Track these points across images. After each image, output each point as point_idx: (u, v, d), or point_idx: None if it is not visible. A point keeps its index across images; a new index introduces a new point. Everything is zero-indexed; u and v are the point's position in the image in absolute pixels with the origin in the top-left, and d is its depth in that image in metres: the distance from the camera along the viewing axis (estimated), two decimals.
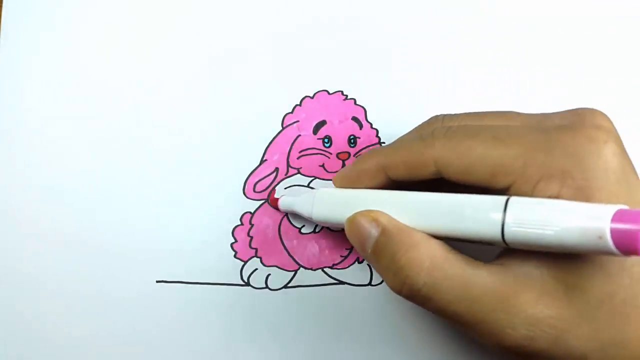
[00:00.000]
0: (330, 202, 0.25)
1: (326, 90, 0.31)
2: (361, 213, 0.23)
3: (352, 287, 0.29)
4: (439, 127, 0.23)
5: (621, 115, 0.32)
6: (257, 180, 0.30)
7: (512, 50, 0.32)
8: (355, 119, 0.31)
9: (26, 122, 0.31)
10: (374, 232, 0.22)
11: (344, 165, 0.30)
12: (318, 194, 0.26)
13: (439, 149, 0.21)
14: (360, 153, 0.30)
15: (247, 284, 0.30)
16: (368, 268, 0.30)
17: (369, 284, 0.29)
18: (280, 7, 0.32)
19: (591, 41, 0.32)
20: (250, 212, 0.30)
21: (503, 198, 0.18)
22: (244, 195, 0.30)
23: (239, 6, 0.32)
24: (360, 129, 0.31)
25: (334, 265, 0.30)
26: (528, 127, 0.21)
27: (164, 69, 0.32)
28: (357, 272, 0.29)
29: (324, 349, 0.29)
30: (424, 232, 0.21)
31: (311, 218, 0.26)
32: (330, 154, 0.30)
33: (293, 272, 0.30)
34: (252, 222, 0.30)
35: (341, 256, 0.30)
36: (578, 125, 0.19)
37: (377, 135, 0.31)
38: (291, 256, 0.30)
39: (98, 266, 0.30)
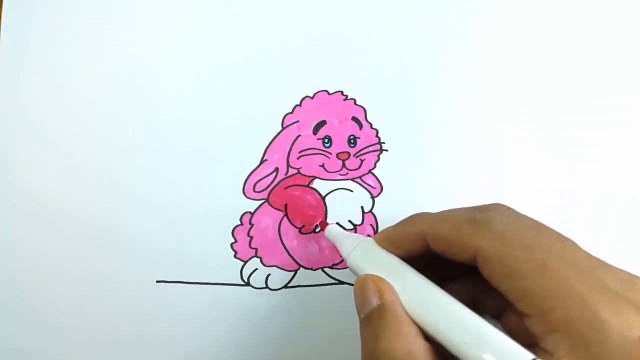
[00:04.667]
0: (366, 257, 0.24)
1: (326, 90, 0.31)
2: (372, 278, 0.22)
3: (352, 287, 0.29)
4: (497, 217, 0.21)
5: (621, 115, 0.32)
6: (257, 180, 0.30)
7: (512, 51, 0.32)
8: (355, 119, 0.31)
9: (26, 121, 0.31)
10: (373, 301, 0.22)
11: (344, 165, 0.30)
12: (362, 244, 0.25)
13: (487, 242, 0.20)
14: (360, 153, 0.30)
15: (247, 284, 0.30)
16: None
17: None
18: (281, 9, 0.32)
19: (593, 42, 0.32)
20: (250, 212, 0.30)
21: (530, 356, 0.18)
22: (244, 195, 0.30)
23: (240, 8, 0.32)
24: (360, 129, 0.31)
25: (334, 265, 0.30)
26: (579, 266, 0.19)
27: (164, 70, 0.32)
28: None
29: (324, 349, 0.29)
30: (438, 339, 0.20)
31: (347, 261, 0.25)
32: (330, 154, 0.30)
33: (293, 272, 0.30)
34: (252, 222, 0.30)
35: (341, 256, 0.30)
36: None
37: (377, 135, 0.31)
38: (291, 256, 0.30)
39: (98, 266, 0.30)
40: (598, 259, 0.20)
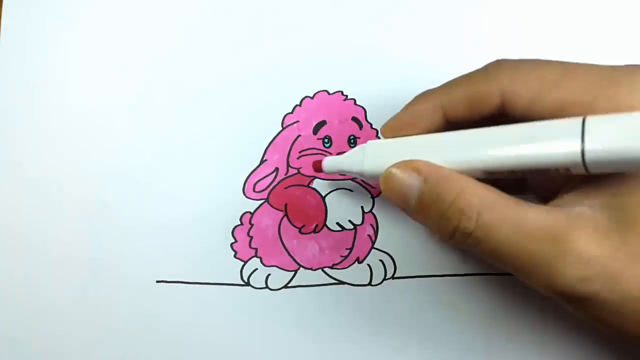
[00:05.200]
0: (383, 153, 0.23)
1: (326, 90, 0.31)
2: (398, 165, 0.21)
3: (352, 287, 0.29)
4: (504, 60, 0.21)
5: None
6: (257, 180, 0.30)
7: (512, 51, 0.32)
8: (355, 119, 0.31)
9: (26, 122, 0.31)
10: (416, 182, 0.21)
11: None
12: (368, 147, 0.24)
13: (507, 79, 0.20)
14: None
15: (247, 284, 0.30)
16: (368, 268, 0.29)
17: (369, 284, 0.29)
18: (281, 8, 0.32)
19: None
20: (250, 212, 0.30)
21: (579, 118, 0.17)
22: (244, 195, 0.30)
23: (240, 7, 0.32)
24: (360, 129, 0.31)
25: (334, 265, 0.30)
26: (594, 65, 0.20)
27: (164, 70, 0.32)
28: (357, 272, 0.29)
29: (323, 349, 0.29)
30: (490, 169, 0.20)
31: (362, 173, 0.24)
32: (331, 154, 0.30)
33: (293, 272, 0.30)
34: (252, 222, 0.30)
35: (341, 256, 0.30)
36: None
37: (377, 136, 0.31)
38: (291, 256, 0.30)
39: (98, 266, 0.30)
40: None
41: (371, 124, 0.31)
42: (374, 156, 0.23)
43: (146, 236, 0.30)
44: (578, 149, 0.17)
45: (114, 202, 0.30)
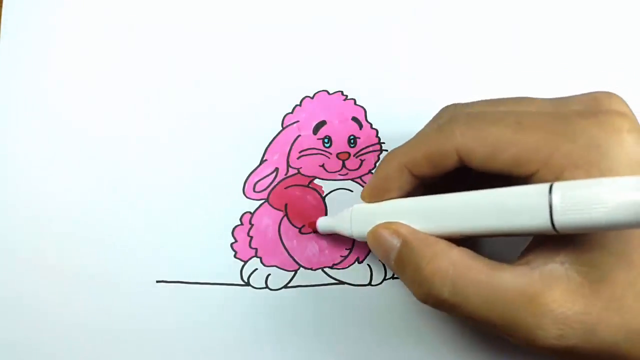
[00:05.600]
0: (365, 218, 0.25)
1: (326, 90, 0.31)
2: (382, 225, 0.23)
3: (352, 287, 0.29)
4: (457, 114, 0.22)
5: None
6: (257, 180, 0.30)
7: (514, 51, 0.32)
8: (355, 119, 0.31)
9: (26, 121, 0.31)
10: (395, 243, 0.22)
11: (344, 165, 0.30)
12: (354, 211, 0.26)
13: (460, 138, 0.21)
14: (360, 153, 0.30)
15: (247, 284, 0.30)
16: (368, 268, 0.30)
17: (369, 284, 0.29)
18: (281, 7, 0.32)
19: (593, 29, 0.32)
20: (250, 212, 0.30)
21: (546, 185, 0.18)
22: (244, 195, 0.30)
23: (239, 6, 0.32)
24: (360, 129, 0.31)
25: (334, 265, 0.30)
26: (549, 113, 0.20)
27: (164, 69, 0.32)
28: (357, 272, 0.29)
29: (323, 349, 0.29)
30: (463, 234, 0.21)
31: (352, 236, 0.26)
32: (330, 154, 0.30)
33: (293, 272, 0.30)
34: (252, 222, 0.30)
35: (341, 256, 0.30)
36: (598, 112, 0.19)
37: (377, 136, 0.31)
38: (291, 256, 0.30)
39: (98, 266, 0.30)
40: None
41: (371, 124, 0.31)
42: (359, 222, 0.25)
43: (146, 236, 0.30)
44: (547, 217, 0.17)
45: (114, 201, 0.30)
